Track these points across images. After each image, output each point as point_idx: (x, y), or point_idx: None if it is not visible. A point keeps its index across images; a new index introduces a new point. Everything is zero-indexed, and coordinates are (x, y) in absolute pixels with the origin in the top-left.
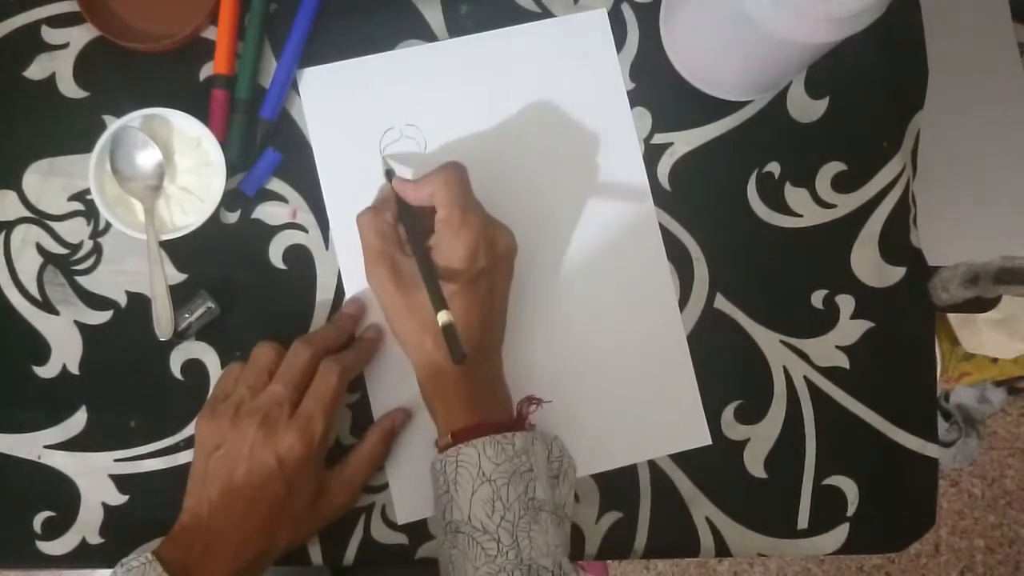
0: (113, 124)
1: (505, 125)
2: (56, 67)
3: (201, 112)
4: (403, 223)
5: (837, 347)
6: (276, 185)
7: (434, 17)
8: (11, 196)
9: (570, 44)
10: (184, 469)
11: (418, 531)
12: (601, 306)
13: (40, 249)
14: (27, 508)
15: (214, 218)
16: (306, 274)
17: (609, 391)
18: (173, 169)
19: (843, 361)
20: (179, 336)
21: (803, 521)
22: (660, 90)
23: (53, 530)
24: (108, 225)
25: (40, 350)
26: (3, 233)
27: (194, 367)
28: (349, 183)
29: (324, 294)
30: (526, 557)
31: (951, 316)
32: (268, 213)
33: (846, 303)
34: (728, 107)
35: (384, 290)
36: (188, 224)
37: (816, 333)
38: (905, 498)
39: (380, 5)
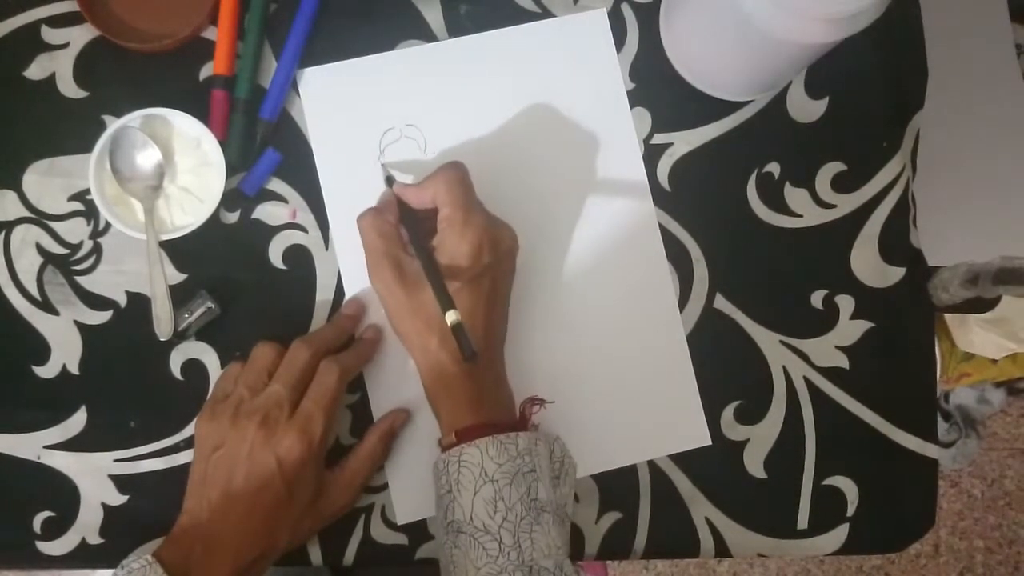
0: (113, 124)
1: (505, 125)
2: (56, 67)
3: (201, 112)
4: (405, 224)
5: (837, 347)
6: (276, 185)
7: (434, 17)
8: (11, 196)
9: (570, 44)
10: (184, 469)
11: (418, 531)
12: (601, 306)
13: (40, 249)
14: (27, 508)
15: (214, 218)
16: (306, 274)
17: (609, 391)
18: (173, 169)
19: (843, 361)
20: (179, 336)
21: (803, 521)
22: (660, 90)
23: (53, 530)
24: (108, 225)
25: (40, 350)
26: (3, 233)
27: (194, 367)
28: (349, 183)
29: (324, 294)
30: (527, 558)
31: (947, 316)
32: (268, 213)
33: (846, 303)
34: (728, 107)
35: (388, 291)
36: (188, 224)
37: (816, 333)
38: (905, 499)
39: (380, 5)
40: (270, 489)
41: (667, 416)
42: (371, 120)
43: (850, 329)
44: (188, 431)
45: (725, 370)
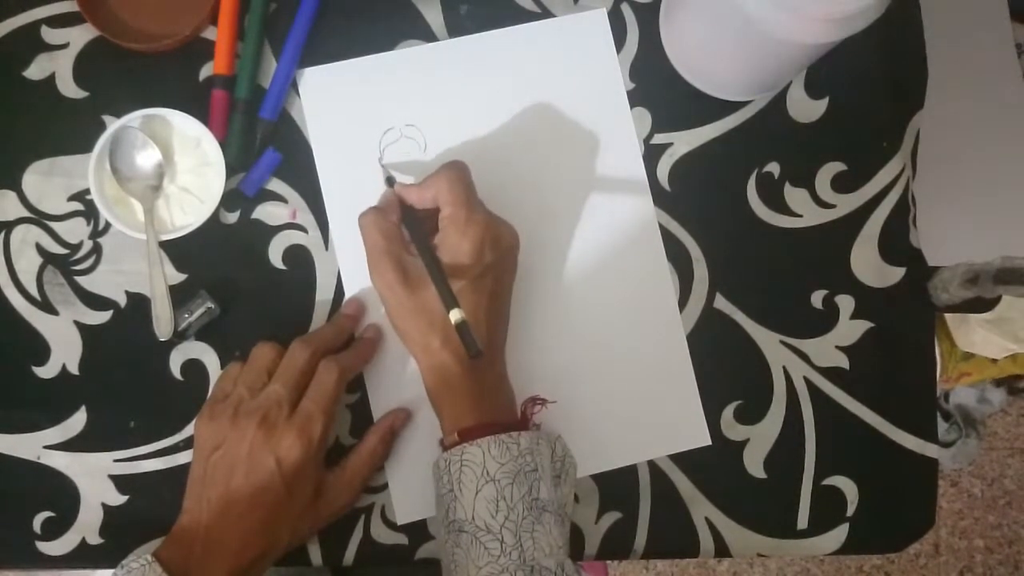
0: (113, 124)
1: (505, 125)
2: (56, 67)
3: (201, 112)
4: (406, 224)
5: (837, 347)
6: (276, 185)
7: (434, 17)
8: (11, 196)
9: (570, 44)
10: (184, 469)
11: (418, 531)
12: (601, 306)
13: (40, 249)
14: (27, 508)
15: (214, 218)
16: (306, 274)
17: (609, 391)
18: (173, 169)
19: (843, 361)
20: (179, 336)
21: (803, 521)
22: (660, 90)
23: (53, 530)
24: (108, 225)
25: (40, 350)
26: (3, 233)
27: (194, 367)
28: (349, 183)
29: (324, 294)
30: (529, 558)
31: (947, 316)
32: (268, 213)
33: (846, 303)
34: (728, 107)
35: (390, 290)
36: (188, 224)
37: (816, 333)
38: (905, 498)
39: (380, 5)
40: (269, 489)
41: (667, 416)
42: (371, 120)
43: (850, 329)
44: (188, 431)
45: (725, 370)
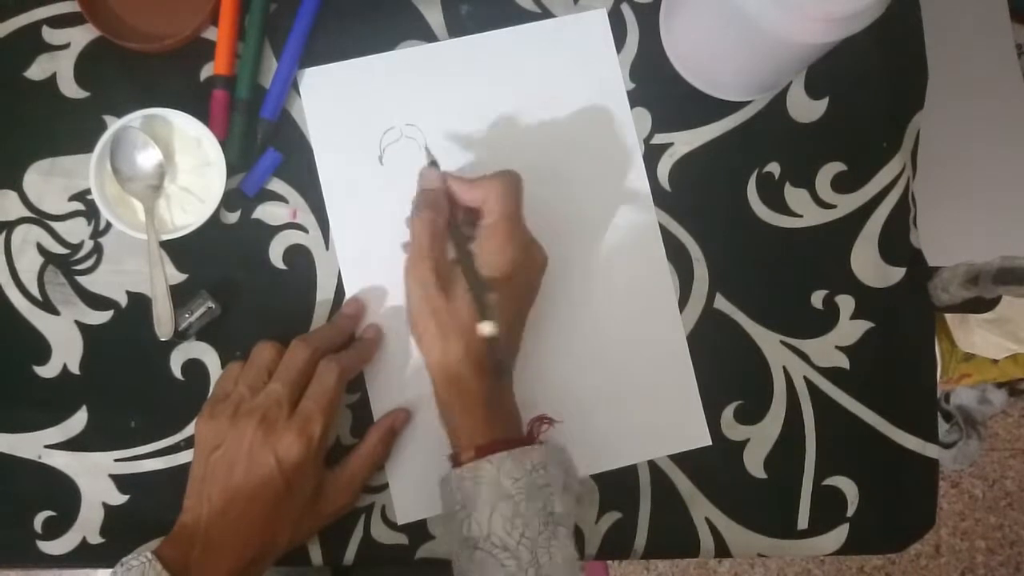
0: (114, 124)
1: (505, 125)
2: (57, 67)
3: (201, 112)
4: (452, 233)
5: (837, 347)
6: (276, 185)
7: (434, 17)
8: (12, 196)
9: (570, 44)
10: (184, 469)
11: (418, 531)
12: (601, 306)
13: (41, 249)
14: (27, 508)
15: (214, 218)
16: (306, 274)
17: (609, 391)
18: (173, 169)
19: (843, 361)
20: (179, 336)
21: (803, 521)
22: (660, 90)
23: (54, 530)
24: (108, 225)
25: (41, 350)
26: (4, 233)
27: (194, 367)
28: (349, 183)
29: (324, 294)
30: (545, 573)
31: (947, 316)
32: (268, 213)
33: (846, 303)
34: (728, 107)
35: (424, 290)
36: (188, 224)
37: (816, 333)
38: (905, 499)
39: (380, 5)
40: (269, 488)
41: (667, 416)
42: (371, 120)
43: (850, 329)
44: (188, 431)
45: (725, 370)
